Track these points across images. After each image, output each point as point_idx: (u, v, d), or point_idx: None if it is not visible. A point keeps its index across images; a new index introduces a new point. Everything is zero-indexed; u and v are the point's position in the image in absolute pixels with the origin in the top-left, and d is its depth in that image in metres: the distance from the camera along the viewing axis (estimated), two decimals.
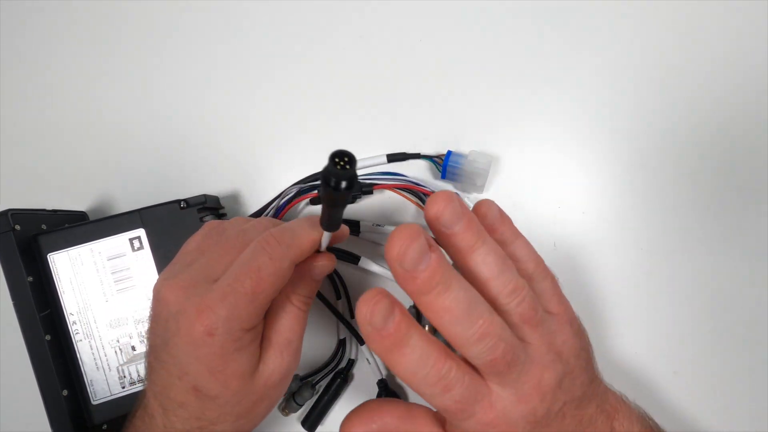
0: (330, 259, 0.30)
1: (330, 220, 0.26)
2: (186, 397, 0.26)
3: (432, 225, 0.24)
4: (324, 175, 0.21)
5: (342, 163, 0.21)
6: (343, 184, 0.21)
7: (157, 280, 0.28)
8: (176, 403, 0.27)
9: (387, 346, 0.23)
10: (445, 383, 0.24)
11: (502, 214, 0.28)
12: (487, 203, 0.28)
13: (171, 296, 0.27)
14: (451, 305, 0.23)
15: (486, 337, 0.23)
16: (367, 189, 0.40)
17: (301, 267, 0.29)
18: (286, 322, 0.29)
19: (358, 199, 0.41)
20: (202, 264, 0.28)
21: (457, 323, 0.23)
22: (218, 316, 0.25)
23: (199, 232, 0.31)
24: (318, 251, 0.30)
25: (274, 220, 0.31)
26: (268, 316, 0.29)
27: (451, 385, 0.24)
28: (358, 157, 0.41)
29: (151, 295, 0.36)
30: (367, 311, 0.22)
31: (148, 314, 0.30)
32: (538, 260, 0.29)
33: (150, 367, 0.28)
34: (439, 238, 0.25)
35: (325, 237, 0.28)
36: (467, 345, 0.23)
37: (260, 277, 0.26)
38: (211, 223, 0.32)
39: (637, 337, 0.40)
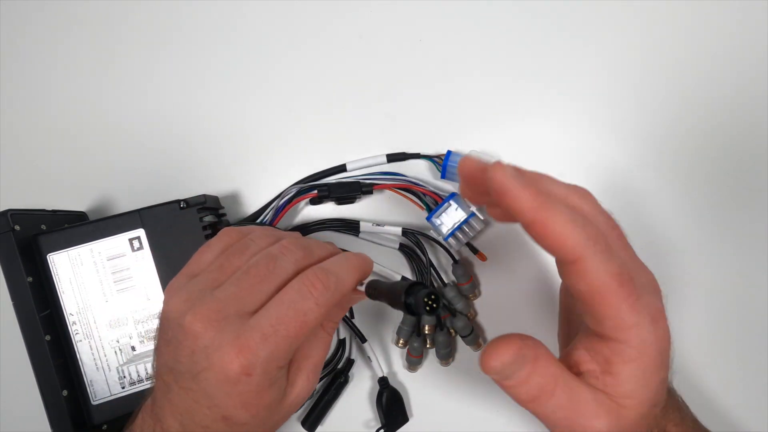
0: (362, 295, 0.30)
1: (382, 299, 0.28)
2: (214, 424, 0.26)
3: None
4: (410, 308, 0.25)
5: (432, 306, 0.24)
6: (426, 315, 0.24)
7: (172, 295, 0.27)
8: (201, 426, 0.27)
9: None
10: None
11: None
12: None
13: (198, 327, 0.25)
14: None
15: None
16: (367, 189, 0.40)
17: None
18: (316, 347, 0.30)
19: (358, 199, 0.41)
20: (230, 293, 0.26)
21: None
22: (257, 358, 0.25)
23: (216, 242, 0.30)
24: None
25: (297, 239, 0.30)
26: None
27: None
28: (357, 156, 0.41)
29: (151, 297, 0.36)
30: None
31: (156, 328, 0.29)
32: None
33: (167, 387, 0.27)
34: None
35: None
36: None
37: (305, 322, 0.26)
38: (228, 232, 0.31)
39: None
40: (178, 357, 0.26)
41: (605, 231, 0.25)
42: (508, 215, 0.24)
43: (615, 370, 0.24)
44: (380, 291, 0.28)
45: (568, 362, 0.26)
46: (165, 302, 0.28)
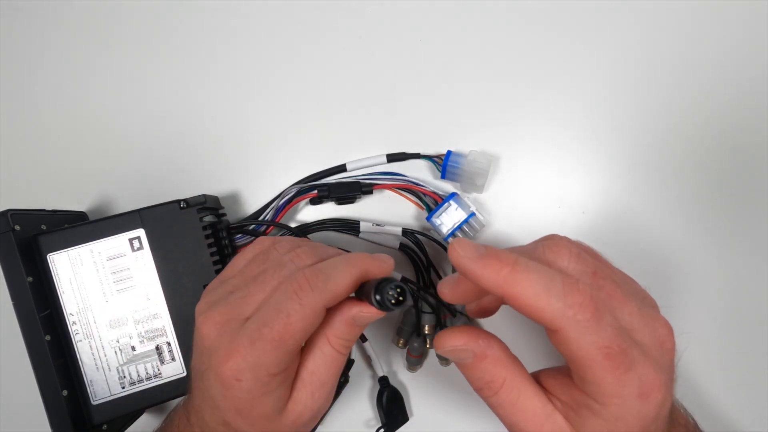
0: (376, 312, 0.28)
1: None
2: (217, 427, 0.27)
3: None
4: (379, 304, 0.25)
5: (399, 299, 0.25)
6: (395, 307, 0.25)
7: (201, 298, 0.28)
8: (209, 427, 0.27)
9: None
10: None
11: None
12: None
13: (206, 329, 0.26)
14: None
15: None
16: (367, 189, 0.40)
17: (340, 310, 0.28)
18: (323, 364, 0.28)
19: (358, 199, 0.41)
20: (238, 297, 0.27)
21: None
22: (245, 362, 0.25)
23: (249, 250, 0.31)
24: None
25: (314, 248, 0.29)
26: (304, 353, 0.28)
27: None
28: (357, 156, 0.41)
29: (151, 297, 0.36)
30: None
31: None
32: None
33: (193, 385, 0.28)
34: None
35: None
36: None
37: (288, 323, 0.25)
38: (261, 240, 0.31)
39: None
40: (197, 357, 0.28)
41: (593, 293, 0.22)
42: (483, 310, 0.27)
43: (581, 415, 0.23)
44: (362, 290, 0.27)
45: (538, 377, 0.26)
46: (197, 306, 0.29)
